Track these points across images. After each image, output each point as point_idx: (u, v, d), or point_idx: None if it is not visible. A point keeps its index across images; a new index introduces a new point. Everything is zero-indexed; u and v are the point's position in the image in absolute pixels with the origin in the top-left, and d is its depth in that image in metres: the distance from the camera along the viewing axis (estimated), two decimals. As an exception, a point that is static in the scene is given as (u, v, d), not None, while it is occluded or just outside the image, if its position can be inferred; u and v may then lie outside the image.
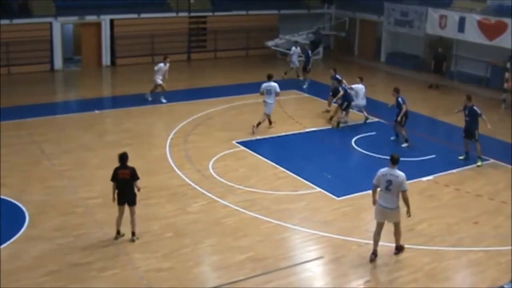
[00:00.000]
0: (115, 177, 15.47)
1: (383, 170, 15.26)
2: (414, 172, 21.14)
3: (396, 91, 24.28)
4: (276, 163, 21.63)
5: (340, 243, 16.08)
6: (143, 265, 14.57)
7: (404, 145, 24.01)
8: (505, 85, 30.82)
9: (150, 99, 29.15)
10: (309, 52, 35.19)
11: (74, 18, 36.40)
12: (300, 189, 19.53)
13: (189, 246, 15.58)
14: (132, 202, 15.54)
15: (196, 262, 15.01)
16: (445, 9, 36.48)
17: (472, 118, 22.49)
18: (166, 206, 17.87)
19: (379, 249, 15.39)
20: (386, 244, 15.80)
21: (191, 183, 19.59)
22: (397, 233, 15.52)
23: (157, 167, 20.85)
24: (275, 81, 25.58)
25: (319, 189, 19.49)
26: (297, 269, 14.91)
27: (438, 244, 16.25)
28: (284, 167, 21.24)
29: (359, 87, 26.40)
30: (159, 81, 28.75)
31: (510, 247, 16.09)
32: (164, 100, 28.93)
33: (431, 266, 15.11)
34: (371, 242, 15.64)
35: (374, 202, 15.44)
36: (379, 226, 15.33)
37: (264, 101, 25.43)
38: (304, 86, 33.08)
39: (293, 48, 35.46)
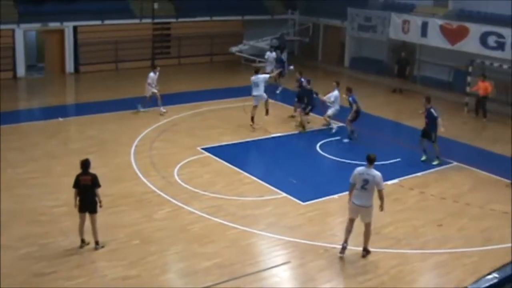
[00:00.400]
0: (77, 184, 15.39)
1: (360, 169, 15.53)
2: (379, 175, 21.30)
3: (349, 90, 24.75)
4: (241, 169, 21.62)
5: (306, 248, 16.11)
6: (109, 273, 14.46)
7: (345, 140, 25.04)
8: (468, 89, 31.15)
9: (164, 110, 28.39)
10: (283, 58, 35.22)
11: (37, 25, 36.12)
12: (266, 195, 19.53)
13: (156, 254, 15.49)
14: (93, 209, 15.40)
15: (162, 269, 14.93)
16: (408, 14, 36.88)
17: (430, 120, 22.88)
18: (131, 213, 17.76)
19: (346, 253, 15.50)
20: (353, 248, 15.87)
21: (156, 190, 19.50)
22: (367, 234, 15.67)
23: (122, 175, 20.74)
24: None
25: (284, 194, 19.52)
26: (264, 275, 14.90)
27: (404, 247, 16.37)
28: (249, 173, 21.25)
29: (336, 94, 26.22)
30: (150, 92, 28.28)
31: (474, 249, 16.27)
32: (144, 107, 28.61)
33: (397, 269, 15.21)
34: (338, 246, 15.78)
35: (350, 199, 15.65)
36: (351, 222, 15.60)
37: (253, 95, 26.64)
38: (278, 91, 32.88)
39: (268, 53, 35.58)
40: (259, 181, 20.63)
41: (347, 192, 18.77)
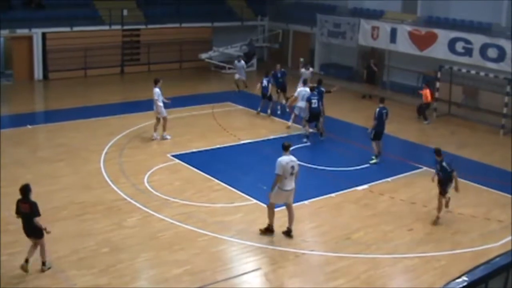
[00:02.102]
0: (17, 210, 14.68)
1: (284, 159, 16.57)
2: (349, 181, 21.41)
3: (437, 153, 23.08)
4: (211, 176, 21.57)
5: (277, 254, 16.11)
6: (79, 282, 14.34)
7: (304, 140, 25.50)
8: (436, 94, 31.41)
9: (158, 137, 25.66)
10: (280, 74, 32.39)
11: (5, 32, 35.74)
12: (236, 201, 19.52)
13: (126, 261, 15.40)
14: (36, 236, 14.63)
15: (133, 277, 14.84)
16: (377, 20, 37.11)
17: (378, 120, 23.49)
18: (101, 221, 17.64)
19: (315, 258, 15.53)
20: (323, 253, 15.94)
21: (126, 197, 19.39)
22: (292, 215, 16.92)
23: (92, 182, 20.58)
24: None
25: (255, 200, 19.51)
26: (235, 281, 14.88)
27: (374, 252, 16.42)
28: (219, 180, 21.20)
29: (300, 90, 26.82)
30: (162, 112, 25.46)
31: (444, 253, 16.39)
32: (168, 136, 25.76)
33: (368, 274, 15.26)
34: (308, 252, 15.94)
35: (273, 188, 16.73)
36: (273, 206, 16.95)
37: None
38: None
39: (236, 62, 35.91)
40: (229, 187, 20.61)
41: (317, 198, 19.01)
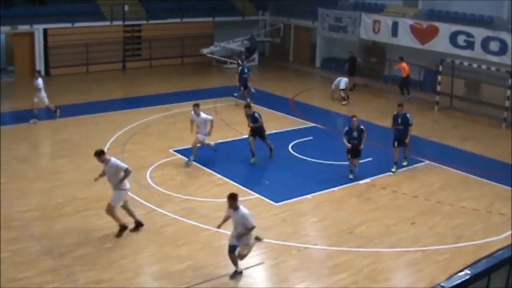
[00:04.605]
0: None
1: (115, 160, 16.79)
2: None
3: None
4: (213, 171, 21.59)
5: (280, 248, 16.12)
6: (83, 277, 14.36)
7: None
8: (438, 88, 31.39)
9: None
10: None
11: (6, 28, 35.78)
12: (239, 196, 19.46)
13: (129, 257, 15.43)
14: None
15: (136, 272, 14.86)
16: (378, 14, 37.07)
17: (405, 126, 22.11)
18: (104, 217, 17.55)
19: (318, 252, 15.58)
20: (326, 248, 15.95)
21: (129, 193, 19.35)
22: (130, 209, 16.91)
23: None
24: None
25: (257, 195, 19.52)
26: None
27: (377, 245, 16.44)
28: (221, 174, 21.21)
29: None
30: None
31: (446, 246, 16.40)
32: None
33: (371, 267, 15.27)
34: (311, 246, 15.97)
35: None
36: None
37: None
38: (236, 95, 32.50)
39: (34, 80, 27.44)
40: (232, 182, 20.60)
41: (320, 192, 19.04)
